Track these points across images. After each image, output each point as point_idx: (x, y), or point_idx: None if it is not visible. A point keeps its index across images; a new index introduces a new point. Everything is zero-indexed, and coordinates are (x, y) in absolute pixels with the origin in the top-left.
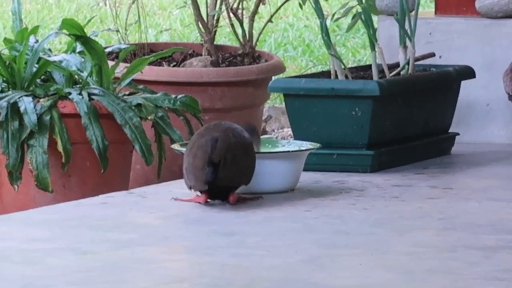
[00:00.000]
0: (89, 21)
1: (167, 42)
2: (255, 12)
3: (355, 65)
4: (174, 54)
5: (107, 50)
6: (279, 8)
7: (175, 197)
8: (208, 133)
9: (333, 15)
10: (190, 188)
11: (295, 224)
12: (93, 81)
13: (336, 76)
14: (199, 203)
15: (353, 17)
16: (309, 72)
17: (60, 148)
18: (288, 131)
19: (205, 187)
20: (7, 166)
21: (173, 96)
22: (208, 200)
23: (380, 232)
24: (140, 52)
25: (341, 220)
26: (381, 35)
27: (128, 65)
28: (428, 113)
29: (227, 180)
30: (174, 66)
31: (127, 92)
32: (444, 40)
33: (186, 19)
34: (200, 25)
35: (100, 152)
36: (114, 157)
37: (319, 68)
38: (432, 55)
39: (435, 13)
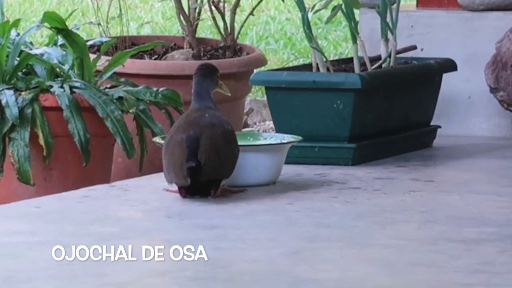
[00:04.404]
0: (71, 14)
1: (148, 35)
2: (236, 5)
3: (336, 58)
4: (156, 47)
5: (89, 43)
6: (261, 1)
7: (166, 189)
8: (188, 128)
9: (313, 7)
10: (171, 183)
11: (277, 217)
12: (74, 74)
13: (318, 69)
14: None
15: (333, 9)
16: (290, 65)
17: (41, 141)
18: (270, 124)
19: (187, 182)
20: None
21: (155, 89)
22: (188, 195)
23: (361, 225)
24: (121, 45)
25: (322, 213)
26: (362, 28)
27: (109, 58)
28: (409, 106)
29: (209, 174)
30: (155, 59)
31: (108, 85)
32: (425, 33)
33: (167, 12)
34: (182, 18)
35: (82, 145)
36: (96, 150)
37: (300, 61)
38: (413, 48)
39: (417, 5)
